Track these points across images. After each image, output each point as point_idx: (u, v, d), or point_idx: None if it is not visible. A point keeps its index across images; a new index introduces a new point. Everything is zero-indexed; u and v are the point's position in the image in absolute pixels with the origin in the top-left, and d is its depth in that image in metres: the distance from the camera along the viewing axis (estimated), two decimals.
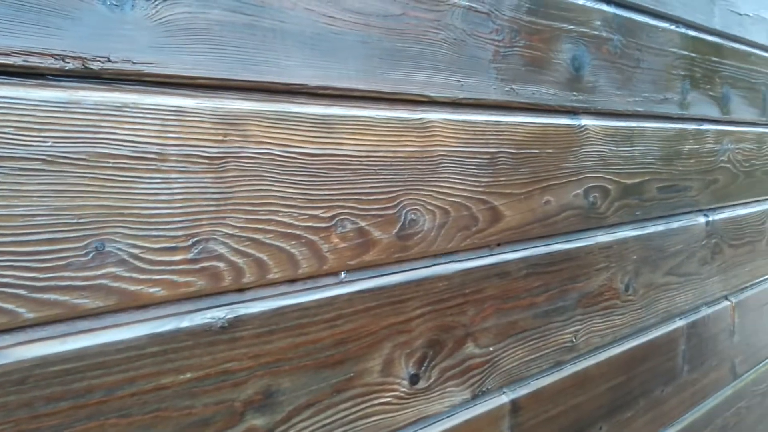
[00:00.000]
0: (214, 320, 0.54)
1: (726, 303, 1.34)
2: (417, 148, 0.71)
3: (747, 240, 1.41)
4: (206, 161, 0.53)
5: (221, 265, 0.54)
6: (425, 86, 0.72)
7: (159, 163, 0.51)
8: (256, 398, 0.57)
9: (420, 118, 0.71)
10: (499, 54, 0.80)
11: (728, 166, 1.33)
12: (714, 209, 1.28)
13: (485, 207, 0.79)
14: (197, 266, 0.53)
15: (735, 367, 1.39)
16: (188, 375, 0.53)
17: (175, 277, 0.52)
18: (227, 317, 0.55)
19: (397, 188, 0.69)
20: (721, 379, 1.34)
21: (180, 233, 0.52)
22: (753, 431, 1.48)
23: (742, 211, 1.39)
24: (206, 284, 0.54)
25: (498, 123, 0.80)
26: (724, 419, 1.35)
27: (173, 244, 0.52)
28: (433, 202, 0.73)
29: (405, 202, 0.70)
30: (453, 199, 0.75)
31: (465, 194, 0.76)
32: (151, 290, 0.51)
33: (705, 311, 1.26)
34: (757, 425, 1.49)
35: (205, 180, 0.53)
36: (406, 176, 0.70)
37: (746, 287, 1.42)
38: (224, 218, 0.54)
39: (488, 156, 0.79)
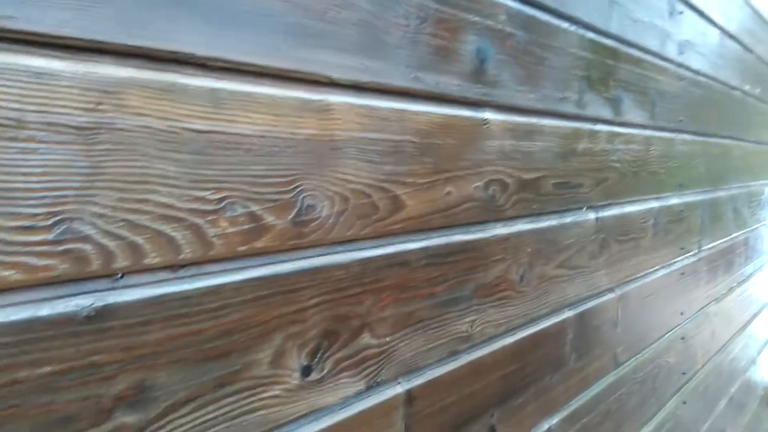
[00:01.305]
0: (78, 308, 0.49)
1: (611, 295, 1.41)
2: (317, 130, 0.68)
3: (632, 236, 1.50)
4: (74, 131, 0.48)
5: (88, 247, 0.49)
6: (327, 66, 0.69)
7: (16, 131, 0.45)
8: (128, 394, 0.52)
9: (321, 99, 0.68)
10: (405, 39, 0.78)
11: (618, 165, 1.40)
12: (603, 206, 1.34)
13: (386, 195, 0.77)
14: (60, 248, 0.47)
15: (617, 356, 1.47)
16: (47, 368, 0.47)
17: (32, 260, 0.46)
18: (95, 305, 0.49)
19: (294, 172, 0.66)
20: (604, 367, 1.42)
21: (39, 211, 0.46)
22: (633, 416, 1.58)
23: (628, 209, 1.47)
24: (70, 268, 0.48)
25: (402, 111, 0.79)
26: (607, 405, 1.43)
27: (31, 223, 0.46)
28: (332, 188, 0.70)
29: (303, 187, 0.67)
30: (353, 186, 0.73)
31: (366, 182, 0.74)
32: (4, 273, 0.45)
33: (592, 302, 1.32)
34: (636, 410, 1.60)
35: (72, 152, 0.48)
36: (304, 160, 0.67)
37: (630, 280, 1.51)
38: (93, 196, 0.49)
39: (391, 144, 0.78)
